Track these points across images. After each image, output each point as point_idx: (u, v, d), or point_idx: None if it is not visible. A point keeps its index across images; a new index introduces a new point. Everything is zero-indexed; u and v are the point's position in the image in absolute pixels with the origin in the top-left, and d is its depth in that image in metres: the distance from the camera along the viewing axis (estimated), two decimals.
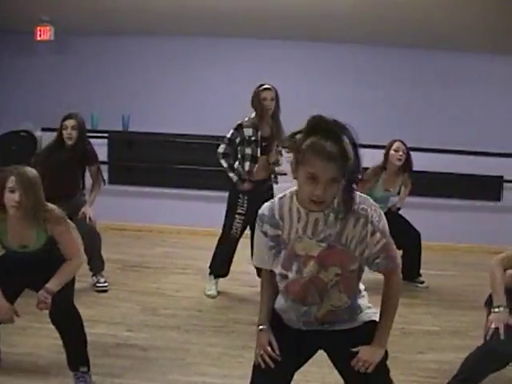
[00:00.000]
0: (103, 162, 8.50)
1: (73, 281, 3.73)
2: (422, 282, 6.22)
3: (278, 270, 2.46)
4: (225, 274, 5.71)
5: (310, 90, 8.54)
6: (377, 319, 2.61)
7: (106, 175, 8.65)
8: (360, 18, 7.59)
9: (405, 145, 5.97)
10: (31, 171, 3.46)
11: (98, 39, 9.12)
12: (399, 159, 5.89)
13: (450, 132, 8.50)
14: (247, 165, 5.45)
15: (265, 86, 5.40)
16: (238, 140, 5.43)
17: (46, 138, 8.66)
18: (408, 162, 5.99)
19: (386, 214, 2.46)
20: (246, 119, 5.41)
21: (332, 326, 2.58)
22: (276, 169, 5.59)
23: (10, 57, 9.29)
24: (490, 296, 3.51)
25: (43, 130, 8.55)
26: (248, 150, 5.44)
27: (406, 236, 6.04)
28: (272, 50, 8.60)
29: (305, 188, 2.23)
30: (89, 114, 8.36)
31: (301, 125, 2.29)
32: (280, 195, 2.45)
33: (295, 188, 2.36)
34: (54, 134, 5.66)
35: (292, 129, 2.34)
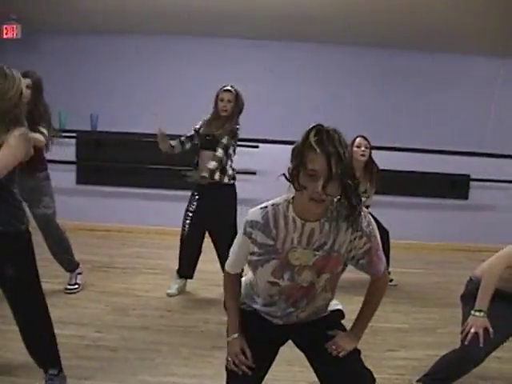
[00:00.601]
0: (71, 162, 8.46)
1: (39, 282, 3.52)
2: (391, 281, 6.24)
3: (265, 278, 2.45)
4: (188, 275, 5.75)
5: (306, 91, 8.60)
6: (341, 308, 2.75)
7: (74, 175, 8.62)
8: (352, 19, 7.67)
9: (367, 140, 5.97)
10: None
11: (66, 37, 9.06)
12: (362, 155, 5.89)
13: (418, 131, 8.59)
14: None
15: (225, 88, 5.42)
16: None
17: None
18: (370, 158, 6.01)
19: None
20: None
21: (307, 320, 2.61)
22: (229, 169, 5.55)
23: None
24: (468, 290, 3.46)
25: None
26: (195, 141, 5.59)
27: None
28: (242, 50, 8.62)
29: (306, 187, 2.23)
30: (57, 114, 8.28)
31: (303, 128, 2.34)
32: (273, 202, 2.43)
33: (290, 195, 2.37)
34: None
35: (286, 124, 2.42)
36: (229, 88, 5.42)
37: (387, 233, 6.22)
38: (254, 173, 7.92)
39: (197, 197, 5.49)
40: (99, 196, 8.62)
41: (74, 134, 8.53)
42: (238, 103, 5.45)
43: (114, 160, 8.58)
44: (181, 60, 8.85)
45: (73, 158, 8.55)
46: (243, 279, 2.71)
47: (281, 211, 2.38)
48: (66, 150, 8.57)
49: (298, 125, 2.49)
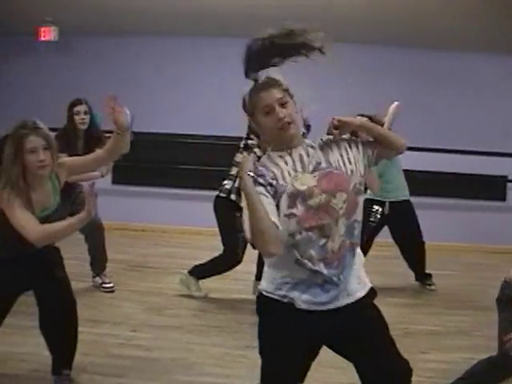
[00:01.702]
0: None
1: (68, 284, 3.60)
2: (431, 285, 6.19)
3: (282, 213, 2.37)
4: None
5: (321, 90, 8.57)
6: (371, 285, 2.61)
7: (109, 175, 8.70)
8: (361, 18, 7.64)
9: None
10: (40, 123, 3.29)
11: (102, 39, 9.13)
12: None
13: (455, 131, 8.50)
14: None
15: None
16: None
17: None
18: None
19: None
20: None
21: (344, 278, 2.46)
22: None
23: (13, 58, 9.30)
24: (504, 294, 3.37)
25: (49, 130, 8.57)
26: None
27: (409, 234, 6.06)
28: None
29: (269, 124, 2.40)
30: (93, 115, 8.38)
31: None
32: (257, 173, 2.40)
33: (253, 147, 2.50)
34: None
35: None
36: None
37: (421, 234, 6.17)
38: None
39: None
40: (134, 196, 8.69)
41: (109, 135, 8.59)
42: None
43: (149, 160, 8.64)
44: (214, 61, 8.86)
45: None
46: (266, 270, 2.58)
47: (263, 158, 2.49)
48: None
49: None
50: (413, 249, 6.13)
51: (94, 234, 5.55)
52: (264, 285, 2.53)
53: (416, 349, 4.47)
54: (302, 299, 2.43)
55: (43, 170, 3.15)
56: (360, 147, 2.54)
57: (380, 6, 7.33)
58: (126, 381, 3.75)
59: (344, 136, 2.55)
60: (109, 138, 5.30)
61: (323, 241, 2.39)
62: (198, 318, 5.06)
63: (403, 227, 6.09)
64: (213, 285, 5.67)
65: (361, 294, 2.53)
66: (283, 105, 2.38)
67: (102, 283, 5.65)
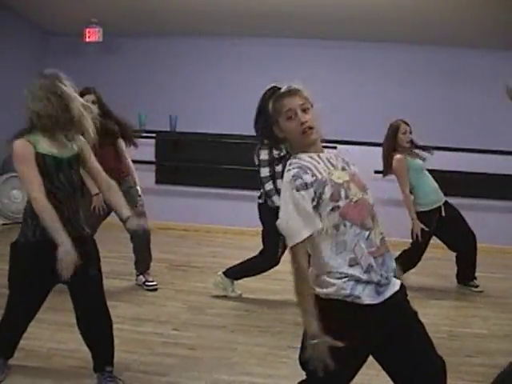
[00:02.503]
0: (150, 162, 8.59)
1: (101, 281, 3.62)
2: (477, 286, 6.11)
3: (328, 207, 2.45)
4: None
5: (382, 91, 8.58)
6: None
7: (153, 175, 8.75)
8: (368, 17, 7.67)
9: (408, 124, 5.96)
10: None
11: (146, 40, 9.21)
12: (408, 142, 5.90)
13: (494, 133, 8.40)
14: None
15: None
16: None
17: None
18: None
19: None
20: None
21: (387, 266, 2.54)
22: None
23: (58, 58, 9.42)
24: None
25: None
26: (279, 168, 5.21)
27: (461, 237, 5.99)
28: (314, 49, 8.61)
29: (292, 128, 2.56)
30: (136, 115, 8.44)
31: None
32: (287, 169, 2.55)
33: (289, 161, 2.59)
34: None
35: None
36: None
37: (474, 236, 6.08)
38: None
39: None
40: (177, 196, 8.73)
41: (153, 135, 8.66)
42: None
43: (193, 160, 8.68)
44: (258, 61, 8.87)
45: (152, 158, 8.69)
46: (317, 263, 2.59)
47: (298, 160, 2.55)
48: (145, 150, 8.72)
49: (374, 126, 2.57)
50: (468, 251, 6.07)
51: (140, 234, 5.58)
52: (322, 290, 2.53)
53: (461, 352, 4.42)
54: (366, 294, 2.47)
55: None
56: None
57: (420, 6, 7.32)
58: (169, 379, 3.77)
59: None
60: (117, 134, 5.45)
61: (367, 233, 2.47)
62: (240, 317, 5.07)
63: (456, 228, 6.05)
64: (256, 285, 5.68)
65: (396, 287, 2.62)
66: (305, 110, 2.55)
67: (145, 281, 5.68)
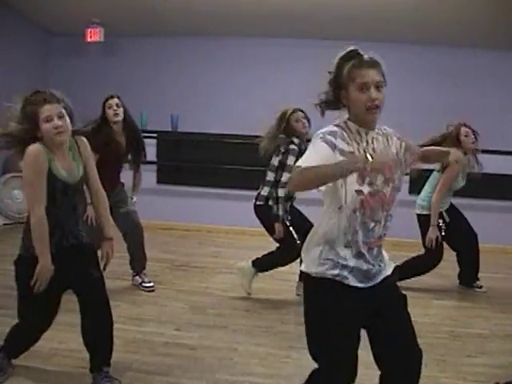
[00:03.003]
0: (152, 162, 8.59)
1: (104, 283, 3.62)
2: (481, 287, 6.10)
3: (353, 187, 2.46)
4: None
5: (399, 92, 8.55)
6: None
7: (154, 175, 8.76)
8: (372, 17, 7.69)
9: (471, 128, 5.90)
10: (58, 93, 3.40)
11: (148, 40, 9.22)
12: (473, 142, 5.85)
13: (495, 133, 8.40)
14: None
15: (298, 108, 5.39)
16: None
17: None
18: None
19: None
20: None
21: (379, 257, 2.62)
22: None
23: (60, 58, 9.44)
24: None
25: None
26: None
27: (462, 237, 5.98)
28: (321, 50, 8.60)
29: (360, 100, 2.48)
30: (138, 114, 8.45)
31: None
32: (329, 129, 2.52)
33: (339, 121, 2.58)
34: None
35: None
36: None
37: (475, 236, 6.07)
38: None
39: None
40: (179, 196, 8.74)
41: (154, 135, 8.66)
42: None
43: (194, 160, 8.68)
44: (259, 61, 8.88)
45: (153, 157, 8.69)
46: (320, 230, 2.63)
47: (344, 128, 2.53)
48: (146, 150, 8.72)
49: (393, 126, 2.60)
50: (470, 252, 6.07)
51: (133, 232, 5.59)
52: (312, 268, 2.59)
53: (463, 352, 4.41)
54: (353, 278, 2.54)
55: (60, 136, 3.27)
56: (403, 150, 2.69)
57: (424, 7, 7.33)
58: (171, 379, 3.77)
59: (395, 135, 2.70)
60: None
61: (372, 224, 2.53)
62: (242, 317, 5.06)
63: (459, 229, 6.04)
64: (257, 285, 5.67)
65: (389, 271, 2.69)
66: (378, 88, 2.49)
67: (141, 282, 5.68)
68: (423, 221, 5.82)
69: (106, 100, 5.56)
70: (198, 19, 8.49)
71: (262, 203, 5.37)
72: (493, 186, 8.16)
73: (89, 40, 8.94)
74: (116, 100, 5.51)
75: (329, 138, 2.44)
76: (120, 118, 5.47)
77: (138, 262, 5.73)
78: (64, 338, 4.21)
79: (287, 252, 5.38)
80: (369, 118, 2.52)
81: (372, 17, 7.94)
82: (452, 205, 5.98)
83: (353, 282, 2.55)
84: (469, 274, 6.10)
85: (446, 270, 6.42)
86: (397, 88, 8.43)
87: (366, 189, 2.47)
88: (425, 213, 5.80)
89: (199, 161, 8.67)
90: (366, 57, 2.52)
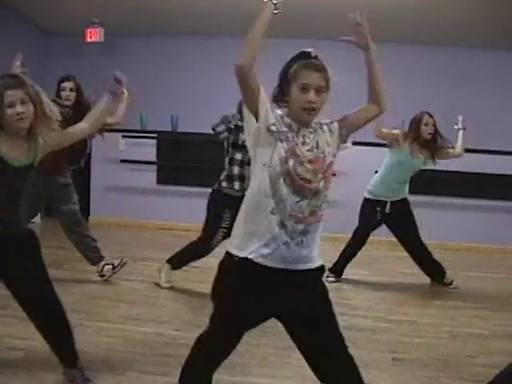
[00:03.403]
0: (152, 162, 8.60)
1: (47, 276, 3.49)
2: (451, 283, 6.14)
3: (280, 154, 2.59)
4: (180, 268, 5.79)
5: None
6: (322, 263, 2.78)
7: (154, 175, 8.76)
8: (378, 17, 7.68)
9: (432, 117, 5.99)
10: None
11: (147, 40, 9.22)
12: (430, 133, 5.96)
13: (495, 133, 8.42)
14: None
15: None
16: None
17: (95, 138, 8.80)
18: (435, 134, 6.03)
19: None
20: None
21: (307, 244, 2.65)
22: None
23: (60, 58, 9.44)
24: None
25: None
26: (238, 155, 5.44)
27: (409, 237, 6.11)
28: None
29: (298, 99, 2.63)
30: (138, 115, 8.46)
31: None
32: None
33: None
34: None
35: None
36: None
37: (419, 238, 6.17)
38: (333, 174, 7.87)
39: (232, 213, 5.20)
40: (179, 196, 8.74)
41: (154, 135, 8.67)
42: None
43: (194, 160, 8.68)
44: (259, 61, 8.88)
45: (153, 158, 8.70)
46: (248, 193, 2.74)
47: (282, 118, 2.69)
48: (146, 150, 8.73)
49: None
50: (415, 248, 6.11)
51: (74, 231, 5.65)
52: (231, 246, 2.72)
53: (462, 352, 4.42)
54: (267, 255, 2.60)
55: (20, 123, 3.18)
56: (335, 130, 2.78)
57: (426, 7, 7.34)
58: (171, 379, 3.75)
59: (328, 122, 2.80)
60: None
61: (298, 198, 2.59)
62: None
63: (403, 225, 6.08)
64: None
65: (316, 264, 2.72)
66: (318, 92, 2.62)
67: (106, 265, 5.79)
68: (363, 204, 6.12)
69: (62, 81, 5.54)
70: (198, 19, 8.49)
71: (216, 187, 5.68)
72: (493, 186, 8.18)
73: (89, 40, 8.95)
74: (70, 83, 5.50)
75: (277, 111, 2.70)
76: (69, 102, 5.45)
77: (90, 253, 5.73)
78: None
79: (199, 247, 5.59)
80: (303, 118, 2.67)
81: (372, 17, 7.92)
82: (405, 199, 6.02)
83: (270, 262, 2.61)
84: (433, 271, 6.15)
85: (446, 270, 6.42)
86: (396, 88, 8.49)
87: (289, 166, 2.58)
88: (367, 197, 6.06)
89: (199, 161, 8.67)
90: (314, 60, 2.67)
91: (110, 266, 5.76)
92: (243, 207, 2.73)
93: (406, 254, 6.19)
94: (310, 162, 2.63)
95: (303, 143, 2.65)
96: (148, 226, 6.40)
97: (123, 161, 8.86)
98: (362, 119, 2.89)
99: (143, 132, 8.84)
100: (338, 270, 6.26)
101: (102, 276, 5.74)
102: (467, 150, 8.06)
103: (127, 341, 4.29)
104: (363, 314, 5.22)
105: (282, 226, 2.58)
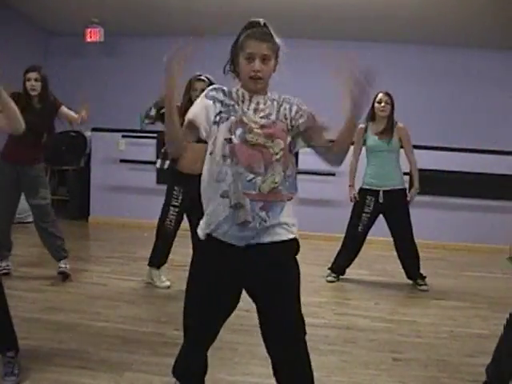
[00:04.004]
0: (152, 162, 8.59)
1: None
2: (421, 285, 6.15)
3: (223, 136, 2.64)
4: (164, 262, 5.86)
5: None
6: (296, 236, 2.77)
7: (154, 175, 8.75)
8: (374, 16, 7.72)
9: (389, 96, 6.03)
10: None
11: (147, 40, 9.23)
12: (382, 110, 5.98)
13: (495, 133, 8.42)
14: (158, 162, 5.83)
15: (198, 77, 5.56)
16: None
17: (95, 138, 8.79)
18: (391, 114, 6.05)
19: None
20: None
21: (265, 227, 2.64)
22: None
23: (60, 58, 9.44)
24: None
25: (93, 130, 8.68)
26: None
27: (399, 228, 6.09)
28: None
29: (245, 69, 2.69)
30: (138, 115, 8.45)
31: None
32: (218, 86, 2.85)
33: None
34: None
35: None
36: (203, 77, 5.55)
37: (411, 231, 6.15)
38: (333, 174, 7.87)
39: (181, 189, 5.64)
40: None
41: (154, 135, 8.66)
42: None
43: None
44: None
45: (153, 158, 8.69)
46: (202, 176, 2.78)
47: (233, 89, 2.80)
48: (146, 150, 8.72)
49: None
50: (404, 245, 6.13)
51: (41, 227, 5.63)
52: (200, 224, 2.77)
53: (462, 352, 4.42)
54: (224, 234, 2.66)
55: None
56: (302, 119, 2.76)
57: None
58: (171, 379, 3.74)
59: (295, 100, 2.81)
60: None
61: (251, 176, 2.59)
62: (241, 317, 5.03)
63: (397, 216, 6.07)
64: None
65: (282, 237, 2.69)
66: (264, 61, 2.67)
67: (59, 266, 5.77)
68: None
69: (27, 71, 5.52)
70: (198, 19, 8.49)
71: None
72: (492, 186, 8.18)
73: (88, 40, 8.95)
74: (35, 74, 5.46)
75: (211, 93, 2.77)
76: (35, 92, 5.45)
77: (54, 251, 5.74)
78: (64, 337, 4.22)
79: (159, 231, 5.78)
80: (251, 86, 2.72)
81: (372, 17, 7.94)
82: (402, 190, 6.10)
83: (229, 239, 2.66)
84: (411, 270, 6.15)
85: (444, 269, 6.43)
86: (396, 87, 8.49)
87: (235, 139, 2.61)
88: (360, 186, 6.18)
89: None
90: (260, 29, 2.71)
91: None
92: (201, 188, 2.78)
93: None
94: (262, 127, 2.65)
95: (256, 110, 2.71)
96: (147, 225, 6.36)
97: (123, 161, 8.86)
98: (315, 140, 2.82)
99: (143, 132, 8.84)
100: (337, 268, 6.27)
101: (61, 273, 5.70)
102: (467, 150, 8.10)
103: (127, 341, 4.29)
104: (363, 314, 5.22)
105: (236, 206, 2.60)
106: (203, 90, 5.32)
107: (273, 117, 2.70)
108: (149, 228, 5.89)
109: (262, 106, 2.72)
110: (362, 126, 6.06)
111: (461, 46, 8.63)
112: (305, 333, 2.78)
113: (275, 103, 2.75)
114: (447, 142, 8.08)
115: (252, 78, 2.68)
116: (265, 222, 2.62)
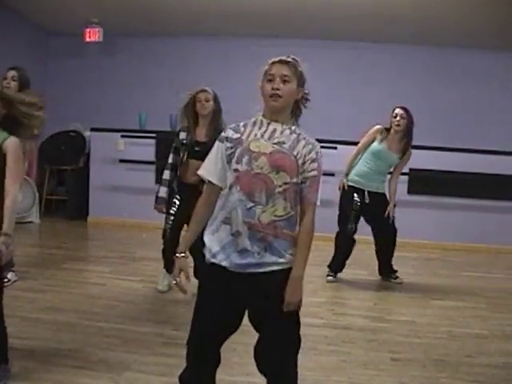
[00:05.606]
0: (151, 162, 8.60)
1: None
2: (396, 278, 6.22)
3: (233, 167, 2.65)
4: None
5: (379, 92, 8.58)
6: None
7: (153, 175, 8.75)
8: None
9: (406, 111, 6.03)
10: None
11: (146, 40, 9.23)
12: (397, 125, 6.00)
13: (495, 133, 8.43)
14: (166, 173, 5.54)
15: (201, 88, 5.38)
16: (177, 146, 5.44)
17: (94, 138, 8.79)
18: (407, 130, 6.05)
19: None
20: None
21: (262, 258, 2.63)
22: None
23: (59, 58, 9.45)
24: None
25: (92, 130, 8.68)
26: (170, 159, 5.48)
27: (382, 229, 6.10)
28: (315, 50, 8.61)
29: (266, 89, 2.68)
30: (137, 115, 8.45)
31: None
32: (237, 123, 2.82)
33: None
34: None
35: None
36: (205, 88, 5.39)
37: (395, 232, 6.18)
38: (332, 174, 7.86)
39: (178, 197, 5.54)
40: None
41: (153, 135, 8.66)
42: (217, 102, 5.49)
43: None
44: (258, 61, 8.88)
45: (152, 157, 8.69)
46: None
47: (252, 119, 2.78)
48: (145, 149, 8.72)
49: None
50: (385, 242, 6.16)
51: None
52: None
53: (461, 352, 4.41)
54: (227, 259, 2.65)
55: None
56: (311, 167, 2.68)
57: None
58: (170, 380, 3.76)
59: (316, 147, 2.71)
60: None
61: (250, 204, 2.59)
62: None
63: (382, 216, 6.08)
64: None
65: (283, 266, 2.67)
66: (285, 82, 2.66)
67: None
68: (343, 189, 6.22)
69: (7, 70, 5.42)
70: (197, 19, 8.50)
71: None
72: (492, 186, 8.18)
73: (88, 40, 8.96)
74: (13, 72, 5.37)
75: (222, 135, 2.77)
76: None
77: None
78: (63, 337, 4.21)
79: (164, 237, 5.64)
80: (271, 107, 2.68)
81: (372, 17, 7.94)
82: (384, 196, 6.14)
83: (228, 263, 2.65)
84: (385, 266, 6.21)
85: (443, 270, 6.44)
86: (395, 88, 8.52)
87: (242, 167, 2.61)
88: (347, 183, 6.19)
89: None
90: (285, 57, 2.72)
91: (14, 273, 5.60)
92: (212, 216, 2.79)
93: (404, 254, 6.21)
94: (270, 154, 2.61)
95: (270, 136, 2.67)
96: (147, 225, 6.38)
97: (122, 160, 8.85)
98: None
99: (142, 132, 8.84)
100: (334, 266, 6.29)
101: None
102: (467, 150, 8.11)
103: (126, 341, 4.29)
104: (362, 314, 5.23)
105: (236, 234, 2.61)
106: (207, 100, 5.36)
107: (286, 146, 2.65)
108: (148, 228, 5.87)
109: (277, 134, 2.68)
110: (379, 127, 6.09)
111: (460, 46, 8.63)
112: (299, 348, 2.79)
113: (293, 135, 2.69)
114: (447, 142, 8.07)
115: (271, 97, 2.67)
116: (264, 251, 2.62)
